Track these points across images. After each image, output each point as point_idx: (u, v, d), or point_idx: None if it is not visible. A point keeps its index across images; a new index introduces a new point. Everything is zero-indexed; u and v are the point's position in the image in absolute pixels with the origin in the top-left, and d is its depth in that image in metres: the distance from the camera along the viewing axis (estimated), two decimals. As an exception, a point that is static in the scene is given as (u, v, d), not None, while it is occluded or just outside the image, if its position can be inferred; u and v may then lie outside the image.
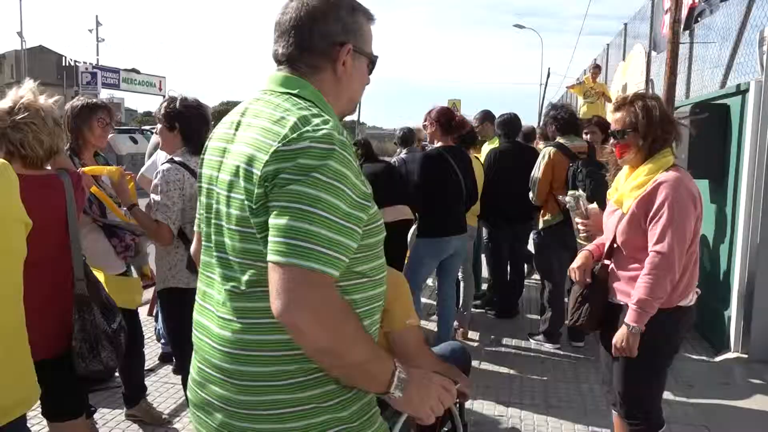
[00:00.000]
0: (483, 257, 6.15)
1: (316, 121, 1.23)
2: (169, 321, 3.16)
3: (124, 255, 3.20)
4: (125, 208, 3.06)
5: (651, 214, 2.38)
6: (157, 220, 2.85)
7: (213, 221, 1.35)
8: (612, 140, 2.54)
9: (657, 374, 2.56)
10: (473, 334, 5.12)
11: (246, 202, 1.23)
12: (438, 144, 4.45)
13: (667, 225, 2.33)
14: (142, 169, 4.21)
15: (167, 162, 2.96)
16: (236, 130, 1.34)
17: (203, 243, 1.42)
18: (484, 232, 5.70)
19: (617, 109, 2.53)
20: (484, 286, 6.20)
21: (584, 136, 4.86)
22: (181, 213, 2.88)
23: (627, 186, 2.50)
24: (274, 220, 1.17)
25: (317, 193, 1.16)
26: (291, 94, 1.32)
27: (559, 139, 4.81)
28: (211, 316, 1.35)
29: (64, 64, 35.06)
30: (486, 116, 6.00)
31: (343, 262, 1.19)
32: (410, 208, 4.47)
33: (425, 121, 4.52)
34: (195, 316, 1.45)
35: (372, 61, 1.44)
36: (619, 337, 2.44)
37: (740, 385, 4.10)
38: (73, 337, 2.33)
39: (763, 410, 3.79)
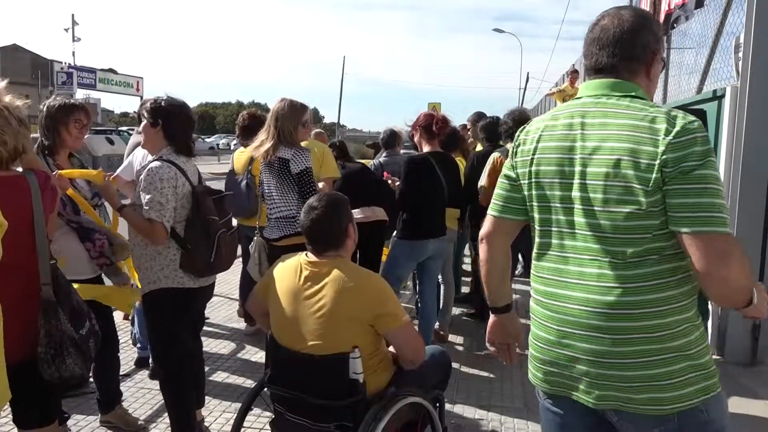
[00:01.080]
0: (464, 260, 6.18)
1: (681, 114, 1.52)
2: (160, 322, 3.02)
3: (99, 261, 3.13)
4: (115, 210, 3.01)
5: None
6: (150, 219, 2.78)
7: (576, 208, 1.61)
8: None
9: None
10: (454, 338, 5.13)
11: (637, 187, 1.50)
12: (426, 149, 4.47)
13: None
14: (118, 170, 4.14)
15: (156, 160, 2.90)
16: (582, 129, 1.61)
17: (551, 229, 1.67)
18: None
19: None
20: (464, 289, 6.20)
21: None
22: (173, 211, 2.83)
23: None
24: (688, 200, 1.46)
25: (713, 172, 1.47)
26: (630, 96, 1.60)
27: (509, 145, 4.86)
28: (580, 287, 1.61)
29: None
30: (479, 118, 6.02)
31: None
32: (385, 209, 4.55)
33: (412, 129, 4.62)
34: (545, 288, 1.70)
35: (664, 64, 1.77)
36: None
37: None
38: (39, 342, 2.27)
39: (739, 413, 3.83)
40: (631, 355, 1.54)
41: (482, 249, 1.93)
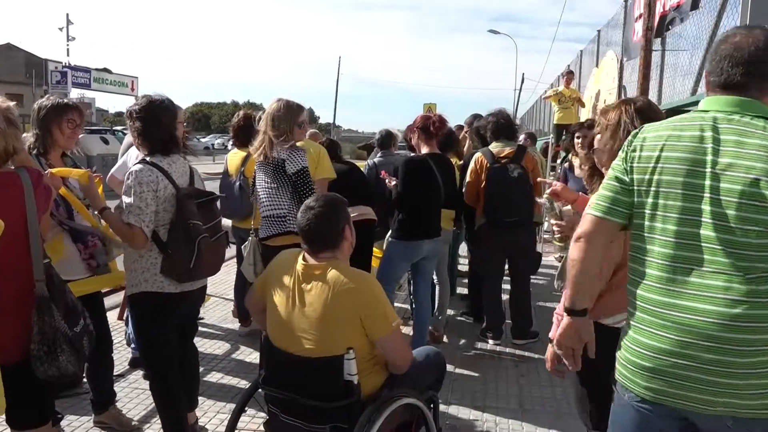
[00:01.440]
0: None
1: None
2: (141, 325, 3.05)
3: (89, 262, 3.12)
4: (96, 212, 2.98)
5: None
6: (129, 223, 2.76)
7: (704, 221, 1.63)
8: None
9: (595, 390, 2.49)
10: (448, 338, 5.13)
11: None
12: (425, 150, 4.49)
13: None
14: (113, 170, 4.13)
15: (139, 162, 2.89)
16: (713, 144, 1.65)
17: (662, 238, 1.70)
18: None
19: (603, 114, 2.47)
20: (460, 290, 6.21)
21: (575, 140, 4.98)
22: (154, 215, 2.81)
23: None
24: None
25: None
26: (764, 117, 1.66)
27: (492, 144, 5.01)
28: (704, 298, 1.64)
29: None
30: (475, 120, 6.04)
31: None
32: (375, 209, 4.61)
33: (410, 132, 4.69)
34: (656, 296, 1.71)
35: None
36: None
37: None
38: (32, 339, 2.26)
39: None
40: (753, 365, 1.61)
41: (578, 248, 1.89)
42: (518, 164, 4.79)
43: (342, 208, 2.56)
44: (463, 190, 5.01)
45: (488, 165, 4.85)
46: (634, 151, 1.79)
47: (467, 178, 4.96)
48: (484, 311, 5.16)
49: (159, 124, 2.89)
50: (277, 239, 3.66)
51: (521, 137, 7.03)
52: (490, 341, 5.02)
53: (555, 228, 2.98)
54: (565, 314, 1.98)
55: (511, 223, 4.79)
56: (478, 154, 4.96)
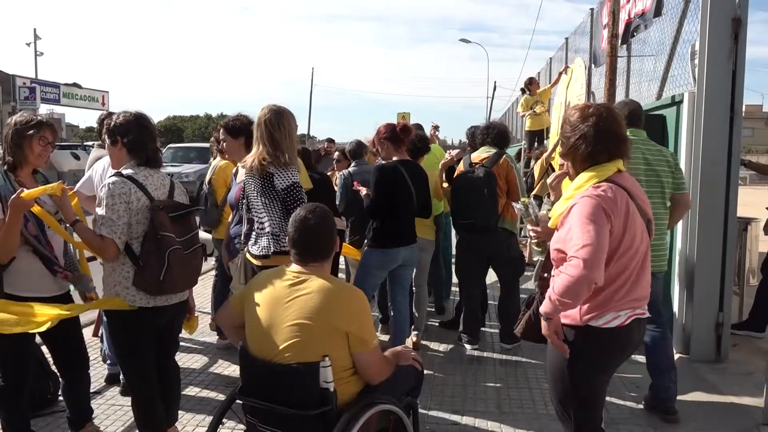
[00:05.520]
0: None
1: None
2: (115, 340, 3.04)
3: (63, 274, 3.08)
4: (68, 224, 2.96)
5: (565, 229, 2.37)
6: (101, 235, 2.76)
7: None
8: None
9: (579, 392, 2.48)
10: (426, 344, 5.16)
11: None
12: (395, 158, 4.52)
13: (576, 233, 2.28)
14: (78, 185, 4.10)
15: (114, 175, 2.89)
16: None
17: None
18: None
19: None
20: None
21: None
22: (127, 227, 2.81)
23: (561, 199, 2.52)
24: None
25: None
26: None
27: (479, 150, 5.18)
28: None
29: None
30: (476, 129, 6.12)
31: None
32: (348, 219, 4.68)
33: (373, 147, 4.68)
34: None
35: None
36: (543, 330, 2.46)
37: (684, 385, 4.24)
38: None
39: (705, 409, 3.94)
40: None
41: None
42: (487, 167, 4.90)
43: (333, 219, 2.62)
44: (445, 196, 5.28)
45: (462, 170, 5.02)
46: None
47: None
48: (462, 315, 5.23)
49: (149, 138, 2.97)
50: (268, 260, 3.41)
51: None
52: (467, 346, 5.08)
53: (531, 233, 3.03)
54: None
55: (467, 225, 4.93)
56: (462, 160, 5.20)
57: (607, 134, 2.43)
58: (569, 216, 2.35)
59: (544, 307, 2.37)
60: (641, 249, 2.41)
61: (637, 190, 2.50)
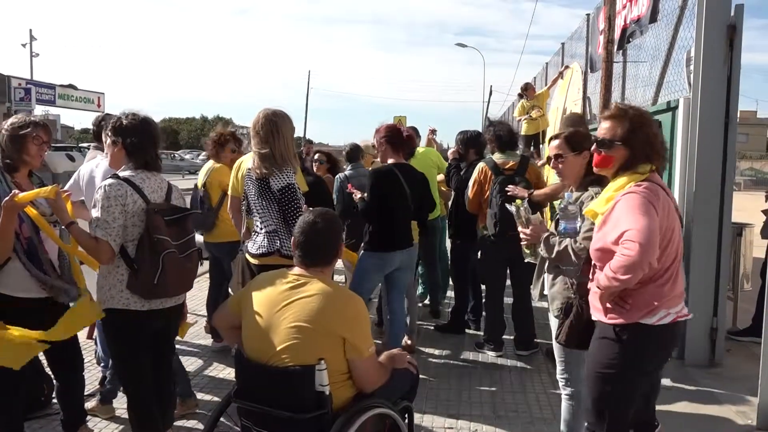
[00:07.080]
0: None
1: None
2: (110, 343, 3.04)
3: (42, 285, 3.04)
4: (63, 227, 2.95)
5: (611, 223, 2.38)
6: (96, 237, 2.75)
7: None
8: (594, 147, 2.54)
9: (614, 390, 2.49)
10: (422, 348, 5.15)
11: None
12: (391, 161, 4.52)
13: (627, 221, 2.29)
14: (65, 188, 4.04)
15: (111, 177, 2.88)
16: None
17: None
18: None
19: (608, 117, 2.51)
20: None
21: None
22: (122, 230, 2.80)
23: (599, 199, 2.52)
24: None
25: None
26: None
27: (496, 155, 5.02)
28: None
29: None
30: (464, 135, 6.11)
31: None
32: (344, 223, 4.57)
33: (375, 142, 4.65)
34: None
35: None
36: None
37: (677, 388, 4.26)
38: None
39: (699, 413, 3.95)
40: None
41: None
42: (522, 176, 4.82)
43: (340, 226, 2.64)
44: (465, 200, 5.07)
45: (492, 176, 4.86)
46: None
47: (471, 189, 4.98)
48: (485, 323, 5.18)
49: (151, 144, 2.96)
50: (267, 258, 3.49)
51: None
52: (491, 353, 5.02)
53: (522, 236, 3.05)
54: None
55: (515, 235, 4.83)
56: (482, 165, 4.98)
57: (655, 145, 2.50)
58: (613, 212, 2.39)
59: (602, 281, 2.38)
60: (681, 245, 2.49)
61: (667, 189, 2.55)
